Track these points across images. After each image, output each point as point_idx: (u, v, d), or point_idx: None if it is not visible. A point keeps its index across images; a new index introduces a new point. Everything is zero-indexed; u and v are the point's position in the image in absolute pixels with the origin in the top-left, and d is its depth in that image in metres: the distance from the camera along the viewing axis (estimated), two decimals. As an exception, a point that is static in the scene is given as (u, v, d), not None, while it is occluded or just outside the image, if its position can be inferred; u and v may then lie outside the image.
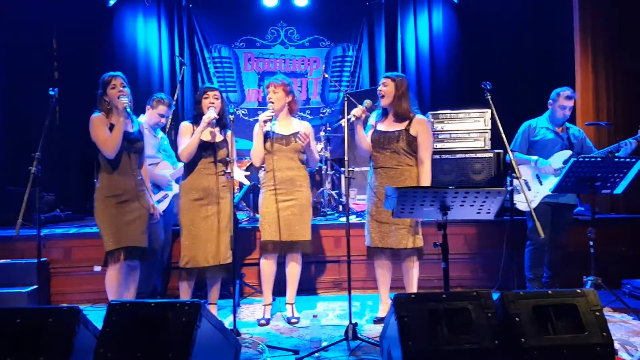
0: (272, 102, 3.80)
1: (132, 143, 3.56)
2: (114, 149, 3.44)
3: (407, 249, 3.68)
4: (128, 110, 3.45)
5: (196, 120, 3.75)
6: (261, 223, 3.88)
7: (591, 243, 3.93)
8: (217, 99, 3.76)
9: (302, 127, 3.92)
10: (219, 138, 3.80)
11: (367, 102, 3.70)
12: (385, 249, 3.73)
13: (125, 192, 3.53)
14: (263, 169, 3.94)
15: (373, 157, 3.82)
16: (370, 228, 3.78)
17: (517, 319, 2.40)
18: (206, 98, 3.75)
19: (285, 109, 3.92)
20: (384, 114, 3.84)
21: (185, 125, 3.80)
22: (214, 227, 3.72)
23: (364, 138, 3.79)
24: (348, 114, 3.62)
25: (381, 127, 3.79)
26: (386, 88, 3.73)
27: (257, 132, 3.85)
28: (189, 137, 3.71)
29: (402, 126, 3.72)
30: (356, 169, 6.37)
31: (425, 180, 3.70)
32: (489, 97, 3.53)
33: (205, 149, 3.73)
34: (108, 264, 3.52)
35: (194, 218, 3.72)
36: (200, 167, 3.74)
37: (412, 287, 3.74)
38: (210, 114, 3.64)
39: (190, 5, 7.68)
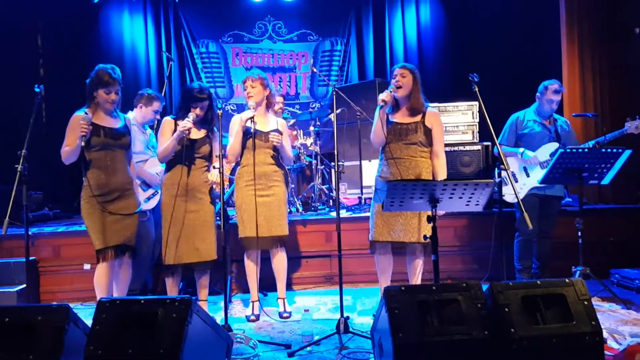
0: (251, 96, 3.80)
1: (117, 139, 3.50)
2: (66, 160, 3.43)
3: (416, 242, 3.58)
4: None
5: (179, 117, 3.69)
6: (240, 218, 3.86)
7: (579, 234, 3.97)
8: (202, 110, 3.71)
9: (279, 124, 3.93)
10: (201, 134, 3.74)
11: (392, 88, 3.60)
12: (389, 242, 3.64)
13: (112, 191, 3.49)
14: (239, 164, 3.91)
15: (387, 148, 3.67)
16: (376, 220, 3.65)
17: (506, 309, 2.41)
18: (194, 109, 3.67)
19: (263, 104, 3.89)
20: (395, 105, 3.71)
21: (167, 121, 3.75)
22: (195, 223, 3.68)
23: (384, 126, 3.61)
24: (337, 108, 3.57)
25: (395, 119, 3.67)
26: (405, 79, 3.63)
27: (237, 129, 3.81)
28: (169, 135, 3.65)
29: (417, 119, 3.63)
30: (346, 163, 6.39)
31: (443, 172, 3.65)
32: (477, 89, 3.54)
33: (187, 146, 3.66)
34: (97, 262, 3.50)
35: (175, 214, 3.65)
36: (181, 163, 3.68)
37: (417, 280, 3.70)
38: (186, 124, 3.56)
39: (177, 0, 7.63)
